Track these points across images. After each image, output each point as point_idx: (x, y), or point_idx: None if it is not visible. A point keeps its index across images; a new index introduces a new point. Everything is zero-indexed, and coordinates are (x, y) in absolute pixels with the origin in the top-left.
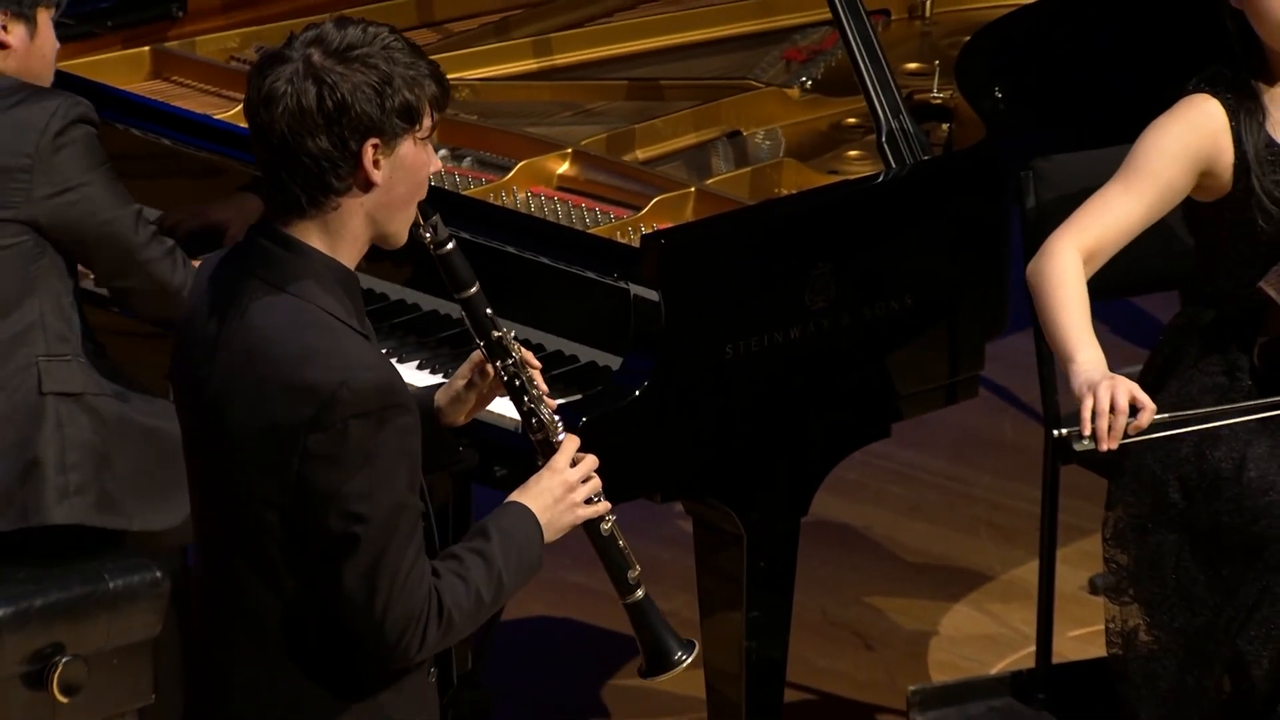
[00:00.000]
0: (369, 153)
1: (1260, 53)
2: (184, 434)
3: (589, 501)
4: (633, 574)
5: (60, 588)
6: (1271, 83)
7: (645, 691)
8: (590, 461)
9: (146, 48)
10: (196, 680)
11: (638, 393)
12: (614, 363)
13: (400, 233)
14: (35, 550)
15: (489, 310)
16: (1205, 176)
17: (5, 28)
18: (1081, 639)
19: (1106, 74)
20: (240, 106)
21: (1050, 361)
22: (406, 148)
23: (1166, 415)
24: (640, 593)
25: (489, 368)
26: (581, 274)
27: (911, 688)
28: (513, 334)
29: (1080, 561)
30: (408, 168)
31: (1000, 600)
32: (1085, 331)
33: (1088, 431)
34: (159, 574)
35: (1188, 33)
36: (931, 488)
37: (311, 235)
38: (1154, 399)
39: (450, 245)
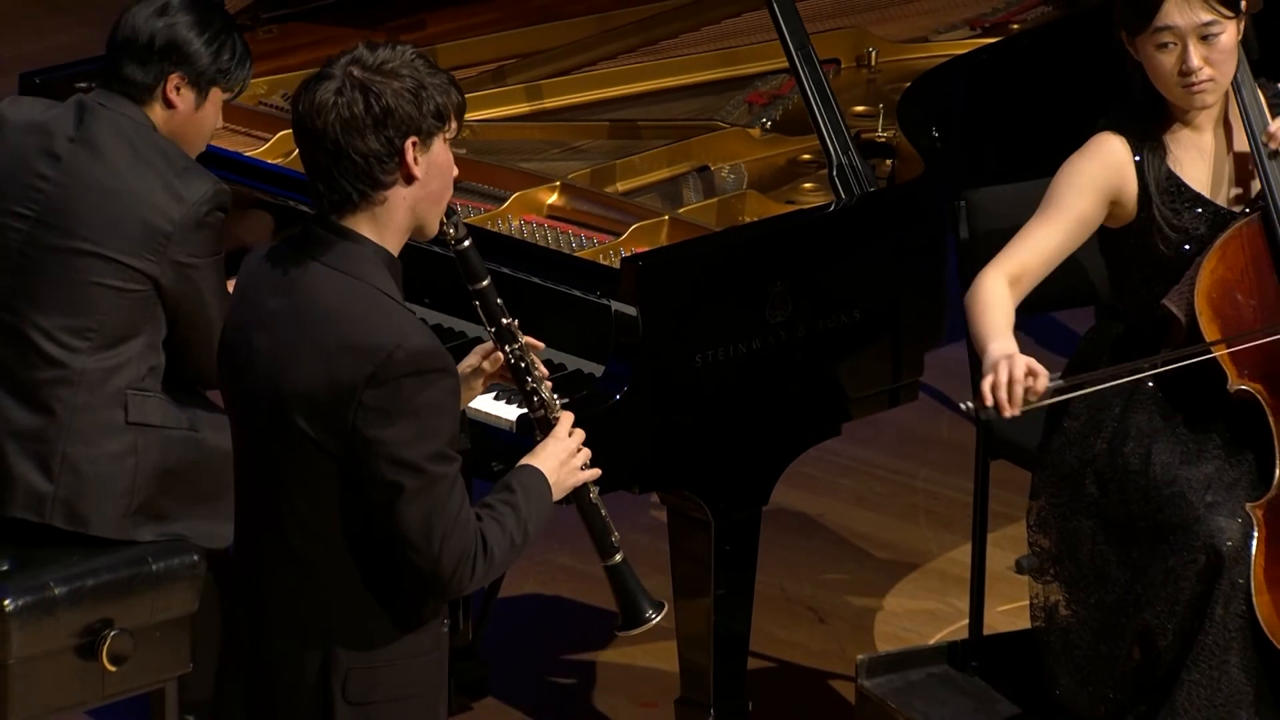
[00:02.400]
0: (410, 149)
1: (1161, 97)
2: (231, 398)
3: (584, 467)
4: (614, 538)
5: (109, 569)
6: (1171, 123)
7: (626, 661)
8: (581, 434)
9: None
10: (236, 630)
11: (618, 397)
12: (597, 370)
13: (433, 225)
14: (84, 538)
15: (499, 301)
16: (1114, 205)
17: (179, 89)
18: (1009, 613)
19: (1029, 114)
20: (267, 145)
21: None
22: (438, 146)
23: (1061, 382)
24: (619, 556)
25: (498, 353)
26: (568, 292)
27: (860, 656)
28: (517, 322)
29: (1008, 545)
30: (439, 165)
31: (938, 579)
32: (1001, 329)
33: (989, 403)
34: (196, 557)
35: (1099, 78)
36: (877, 480)
37: (362, 226)
38: (1070, 400)
39: (468, 242)
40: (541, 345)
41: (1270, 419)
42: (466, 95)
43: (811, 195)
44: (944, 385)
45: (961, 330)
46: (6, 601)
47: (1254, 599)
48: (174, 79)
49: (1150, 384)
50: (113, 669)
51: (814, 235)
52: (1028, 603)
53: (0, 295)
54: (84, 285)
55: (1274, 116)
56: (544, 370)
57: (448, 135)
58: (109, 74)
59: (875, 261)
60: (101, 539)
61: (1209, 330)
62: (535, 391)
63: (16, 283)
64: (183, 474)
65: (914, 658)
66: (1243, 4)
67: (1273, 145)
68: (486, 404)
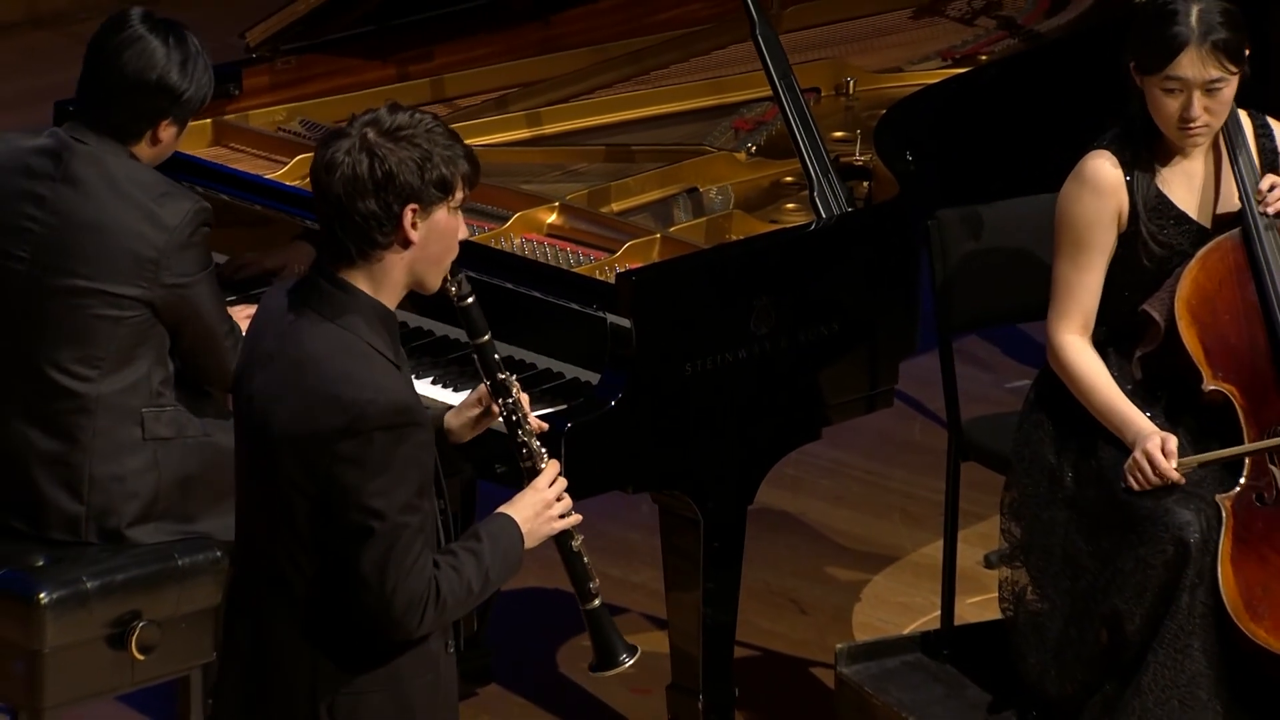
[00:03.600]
0: (408, 216)
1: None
2: (236, 427)
3: (562, 517)
4: (593, 585)
5: (138, 565)
6: (1163, 146)
7: None
8: (563, 483)
9: (209, 120)
10: (236, 640)
11: (613, 403)
12: (593, 378)
13: (432, 284)
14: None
15: (497, 356)
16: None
17: (168, 127)
18: (978, 605)
19: (997, 139)
20: (286, 168)
21: (953, 376)
22: (440, 214)
23: (1190, 459)
24: (597, 602)
25: (493, 406)
26: (567, 305)
27: (838, 645)
28: (514, 376)
29: (977, 542)
30: (440, 231)
31: (911, 573)
32: (1120, 407)
33: (1138, 489)
34: (219, 553)
35: (1062, 105)
36: (854, 481)
37: (359, 280)
38: (1053, 395)
39: (471, 299)
40: (530, 413)
41: (1241, 418)
42: (472, 122)
43: (793, 215)
44: (917, 392)
45: (934, 341)
46: (42, 595)
47: (1220, 583)
48: (165, 122)
49: (1127, 385)
50: (141, 658)
51: (796, 252)
52: (995, 595)
53: (11, 334)
54: (86, 318)
55: (1258, 144)
56: (535, 423)
57: (452, 204)
58: (92, 114)
59: (853, 277)
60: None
61: (1187, 335)
62: (524, 444)
63: (24, 322)
64: (203, 477)
65: (889, 646)
66: (1245, 56)
67: (1270, 210)
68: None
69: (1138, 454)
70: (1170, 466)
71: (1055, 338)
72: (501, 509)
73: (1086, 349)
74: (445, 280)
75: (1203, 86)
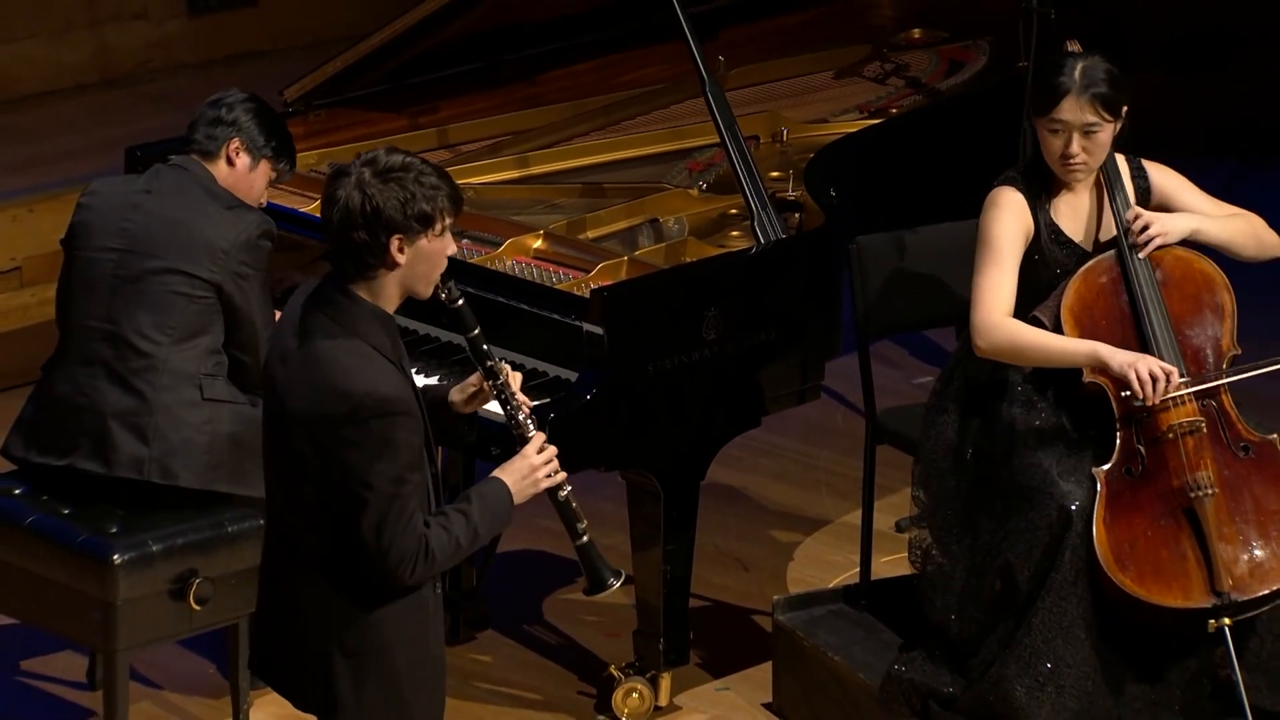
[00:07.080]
0: (394, 244)
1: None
2: (263, 413)
3: (548, 476)
4: (581, 525)
5: (195, 531)
6: (1056, 181)
7: (594, 601)
8: (551, 450)
9: None
10: (266, 593)
11: (588, 397)
12: (572, 377)
13: (424, 293)
14: (176, 505)
15: (486, 346)
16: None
17: (238, 152)
18: (890, 563)
19: (906, 177)
20: (317, 203)
21: (870, 374)
22: (423, 242)
23: (1185, 379)
24: (586, 538)
25: (485, 385)
26: (549, 316)
27: (775, 597)
28: (502, 361)
29: (890, 510)
30: (424, 255)
31: (835, 537)
32: (1074, 339)
33: (1141, 396)
34: (261, 521)
35: (958, 150)
36: (788, 461)
37: (362, 290)
38: (955, 383)
39: (460, 301)
40: (519, 380)
41: (1114, 404)
42: (470, 164)
43: (738, 241)
44: (840, 387)
45: (853, 345)
46: (115, 556)
47: (1095, 540)
48: (234, 142)
49: (1018, 377)
50: (197, 609)
51: (740, 272)
52: (905, 555)
53: (100, 311)
54: (164, 294)
55: (1135, 183)
56: (523, 397)
57: (434, 234)
58: (185, 140)
59: (787, 292)
60: (191, 502)
61: (1070, 335)
62: (512, 416)
63: (113, 300)
64: (251, 440)
65: (817, 598)
66: (1123, 111)
67: (1136, 235)
68: (489, 405)
69: (1140, 365)
70: (1162, 388)
71: (987, 319)
72: (494, 473)
73: (1016, 322)
74: (437, 288)
75: (1081, 129)
